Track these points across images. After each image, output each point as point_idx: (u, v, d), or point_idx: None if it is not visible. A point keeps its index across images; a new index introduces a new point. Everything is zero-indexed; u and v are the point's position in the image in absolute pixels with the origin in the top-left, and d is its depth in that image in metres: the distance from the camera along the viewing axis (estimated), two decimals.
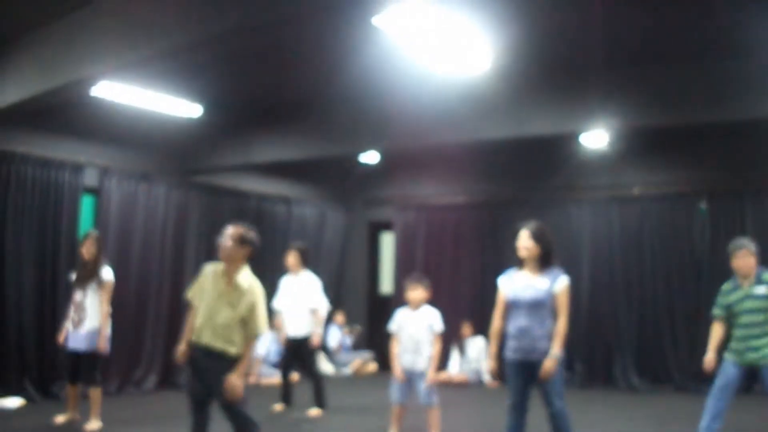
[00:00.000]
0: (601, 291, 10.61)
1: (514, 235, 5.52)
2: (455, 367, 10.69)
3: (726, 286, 6.45)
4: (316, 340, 8.01)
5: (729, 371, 6.14)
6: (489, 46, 6.17)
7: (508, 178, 11.36)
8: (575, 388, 10.06)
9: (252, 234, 4.99)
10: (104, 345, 6.72)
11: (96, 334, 6.69)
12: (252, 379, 9.54)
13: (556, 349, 5.32)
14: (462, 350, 10.72)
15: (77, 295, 6.79)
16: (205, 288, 4.93)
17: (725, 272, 6.57)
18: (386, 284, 12.71)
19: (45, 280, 8.13)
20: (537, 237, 5.47)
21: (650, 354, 10.27)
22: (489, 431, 7.29)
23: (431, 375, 6.39)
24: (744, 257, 6.29)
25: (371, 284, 13.00)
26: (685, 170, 10.52)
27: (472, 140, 8.59)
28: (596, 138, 9.08)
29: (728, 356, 6.14)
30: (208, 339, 4.81)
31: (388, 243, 12.67)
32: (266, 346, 10.27)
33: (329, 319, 11.64)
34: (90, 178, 8.71)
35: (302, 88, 8.25)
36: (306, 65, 7.35)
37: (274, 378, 9.51)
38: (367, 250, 12.97)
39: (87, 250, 6.83)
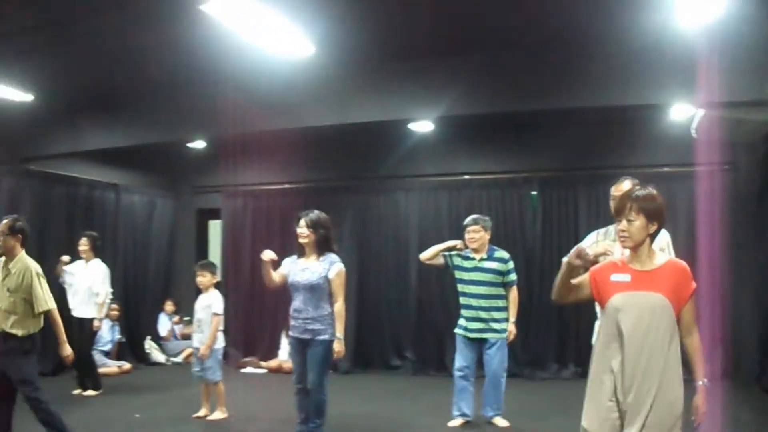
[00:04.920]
0: (429, 278, 10.48)
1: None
2: (285, 354, 10.61)
3: None
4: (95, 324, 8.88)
5: None
6: (312, 32, 6.48)
7: (336, 165, 11.41)
8: (408, 375, 10.55)
9: (21, 223, 5.70)
10: None
11: None
12: None
13: (339, 331, 5.92)
14: None
15: None
16: None
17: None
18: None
19: None
20: (313, 225, 6.05)
21: None
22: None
23: (204, 351, 7.39)
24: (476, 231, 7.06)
25: None
26: (516, 157, 10.69)
27: (299, 127, 8.77)
28: (424, 126, 9.40)
29: None
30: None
31: (216, 230, 12.92)
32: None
33: (159, 308, 11.86)
34: None
35: (131, 75, 8.27)
36: (134, 51, 7.31)
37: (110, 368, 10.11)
38: (196, 238, 13.25)
39: None
